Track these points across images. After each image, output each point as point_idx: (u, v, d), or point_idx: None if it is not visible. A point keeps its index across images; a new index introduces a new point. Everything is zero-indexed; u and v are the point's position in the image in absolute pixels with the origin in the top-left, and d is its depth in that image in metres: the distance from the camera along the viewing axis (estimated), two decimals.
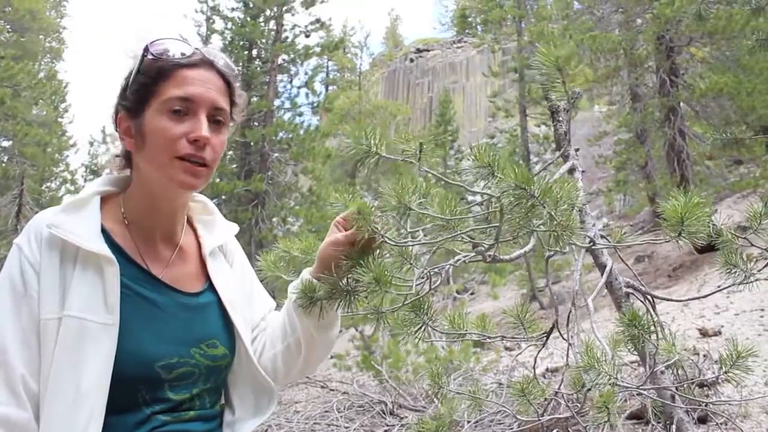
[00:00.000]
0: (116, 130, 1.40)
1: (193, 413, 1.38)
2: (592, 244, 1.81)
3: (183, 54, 1.34)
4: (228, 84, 1.40)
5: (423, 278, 1.42)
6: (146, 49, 1.34)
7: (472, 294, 19.77)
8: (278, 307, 1.66)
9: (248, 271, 1.65)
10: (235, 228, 1.65)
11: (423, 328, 1.46)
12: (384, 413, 6.42)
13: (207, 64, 1.36)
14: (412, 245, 1.42)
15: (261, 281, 1.70)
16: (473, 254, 1.42)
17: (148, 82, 1.33)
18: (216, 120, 1.36)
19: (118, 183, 1.46)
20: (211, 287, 1.48)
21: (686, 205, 1.19)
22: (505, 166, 1.30)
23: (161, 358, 1.31)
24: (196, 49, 1.36)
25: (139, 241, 1.39)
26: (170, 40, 1.35)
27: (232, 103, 1.43)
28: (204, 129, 1.31)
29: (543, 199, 1.21)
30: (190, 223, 1.55)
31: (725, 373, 1.62)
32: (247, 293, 1.59)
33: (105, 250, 1.29)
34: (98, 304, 1.26)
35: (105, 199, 1.41)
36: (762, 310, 7.64)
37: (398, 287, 1.35)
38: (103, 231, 1.35)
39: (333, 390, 7.79)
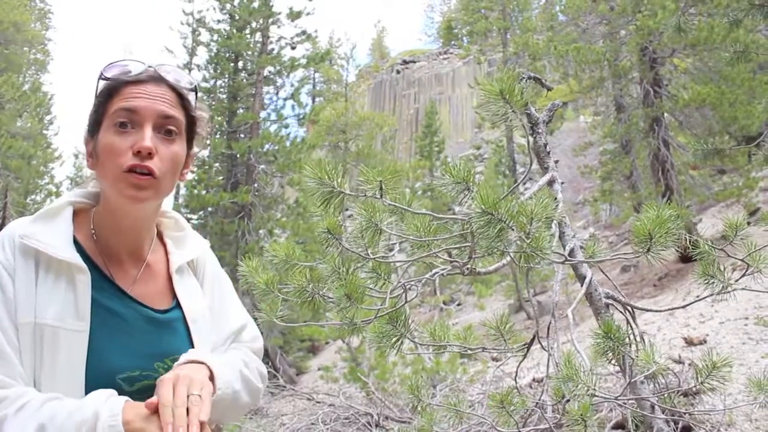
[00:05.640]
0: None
1: None
2: (564, 260, 1.81)
3: (131, 72, 1.36)
4: (181, 96, 1.41)
5: (400, 290, 1.42)
6: (100, 73, 1.38)
7: (459, 305, 19.75)
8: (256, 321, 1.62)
9: (220, 286, 1.63)
10: (205, 244, 1.64)
11: (400, 340, 1.46)
12: (370, 425, 6.40)
13: (156, 79, 1.38)
14: (391, 262, 1.42)
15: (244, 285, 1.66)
16: (450, 268, 1.42)
17: (100, 103, 1.37)
18: (167, 130, 1.36)
19: (92, 197, 1.47)
20: (178, 305, 1.47)
21: (655, 221, 1.18)
22: (480, 183, 1.30)
23: (123, 370, 1.31)
24: (149, 67, 1.39)
25: (106, 257, 1.40)
26: (124, 61, 1.38)
27: (191, 117, 1.43)
28: (147, 139, 1.31)
29: (511, 223, 1.20)
30: (160, 238, 1.54)
31: (701, 383, 1.63)
32: (217, 309, 1.57)
33: (77, 258, 1.30)
34: (69, 311, 1.26)
35: (78, 211, 1.42)
36: (746, 318, 7.69)
37: (372, 300, 1.34)
38: (75, 242, 1.36)
39: (319, 402, 7.76)
